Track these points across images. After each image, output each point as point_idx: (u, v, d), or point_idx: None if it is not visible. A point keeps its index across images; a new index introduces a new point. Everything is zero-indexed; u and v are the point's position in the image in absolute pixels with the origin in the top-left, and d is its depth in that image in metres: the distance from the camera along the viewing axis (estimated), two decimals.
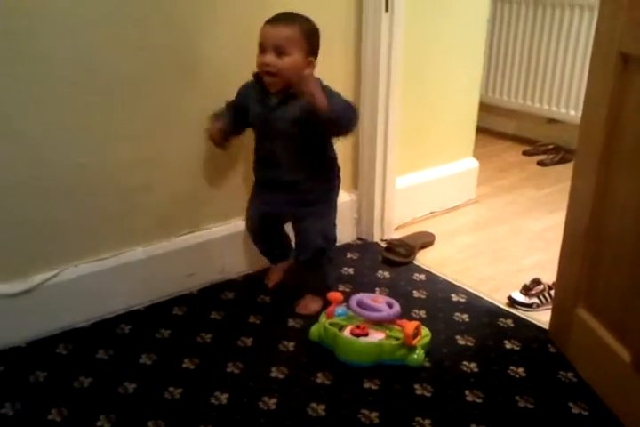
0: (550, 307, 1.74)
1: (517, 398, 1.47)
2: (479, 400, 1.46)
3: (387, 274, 2.02)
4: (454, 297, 1.89)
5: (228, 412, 1.42)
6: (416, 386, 1.51)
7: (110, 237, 1.74)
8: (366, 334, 1.55)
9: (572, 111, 2.96)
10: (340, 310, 1.64)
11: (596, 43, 1.40)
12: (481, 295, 1.90)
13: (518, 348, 1.65)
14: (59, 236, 1.65)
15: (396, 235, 2.25)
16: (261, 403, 1.45)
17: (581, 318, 1.53)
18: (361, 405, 1.44)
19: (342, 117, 1.54)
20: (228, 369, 1.56)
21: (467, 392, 1.49)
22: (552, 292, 1.81)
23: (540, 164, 3.04)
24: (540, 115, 3.17)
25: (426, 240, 2.22)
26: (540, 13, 2.98)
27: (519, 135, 3.41)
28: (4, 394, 1.47)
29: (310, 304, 1.79)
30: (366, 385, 1.51)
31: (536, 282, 1.86)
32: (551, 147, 3.13)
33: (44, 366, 1.57)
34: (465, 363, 1.59)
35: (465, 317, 1.79)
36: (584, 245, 1.50)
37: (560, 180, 2.71)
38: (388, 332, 1.57)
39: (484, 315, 1.80)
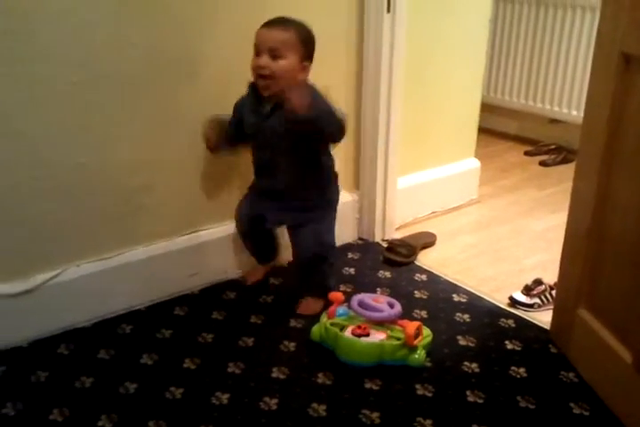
0: (552, 307, 1.74)
1: (518, 398, 1.47)
2: (480, 401, 1.46)
3: (388, 274, 2.02)
4: (455, 297, 1.89)
5: (228, 412, 1.42)
6: (417, 386, 1.51)
7: (111, 237, 1.74)
8: (367, 335, 1.55)
9: (573, 111, 2.96)
10: (342, 310, 1.64)
11: (597, 43, 1.40)
12: (482, 295, 1.90)
13: (519, 348, 1.65)
14: (60, 236, 1.65)
15: (398, 235, 2.25)
16: (262, 403, 1.45)
17: (583, 318, 1.53)
18: (362, 405, 1.44)
19: (322, 118, 1.50)
20: (229, 369, 1.56)
21: (468, 393, 1.49)
22: (553, 292, 1.81)
23: (542, 164, 3.03)
24: (542, 115, 3.16)
25: (427, 240, 2.22)
26: (542, 14, 2.98)
27: (521, 135, 3.40)
28: (5, 394, 1.47)
29: (311, 305, 1.79)
30: (367, 385, 1.51)
31: (537, 282, 1.86)
32: (553, 147, 3.12)
33: (45, 365, 1.57)
34: (466, 363, 1.59)
35: (466, 317, 1.79)
36: (586, 245, 1.50)
37: (562, 180, 2.71)
38: (389, 332, 1.57)
39: (486, 315, 1.80)
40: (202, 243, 1.88)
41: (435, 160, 2.42)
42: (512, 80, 3.21)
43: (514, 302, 1.85)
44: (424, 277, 2.01)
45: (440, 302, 1.87)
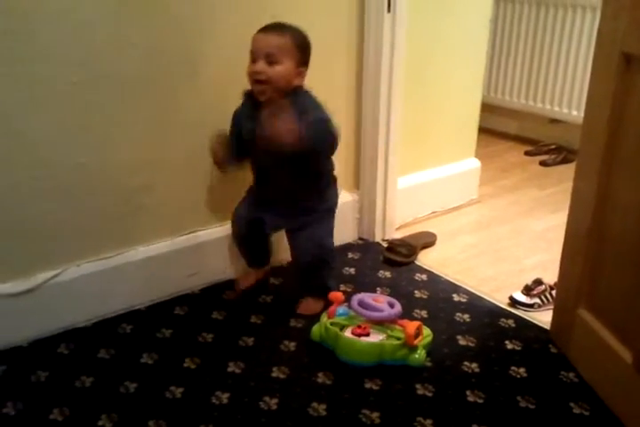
0: (552, 307, 1.74)
1: (519, 398, 1.47)
2: (480, 400, 1.46)
3: (388, 274, 2.02)
4: (456, 297, 1.89)
5: (229, 412, 1.42)
6: (417, 386, 1.51)
7: (112, 237, 1.74)
8: (367, 334, 1.55)
9: (574, 111, 2.96)
10: (342, 309, 1.64)
11: (598, 43, 1.40)
12: (482, 295, 1.90)
13: (519, 348, 1.65)
14: (60, 235, 1.65)
15: (398, 235, 2.25)
16: (262, 403, 1.45)
17: (583, 318, 1.53)
18: (362, 405, 1.44)
19: (316, 144, 1.52)
20: (230, 369, 1.56)
21: (468, 392, 1.49)
22: (553, 292, 1.81)
23: (543, 164, 3.03)
24: (543, 115, 3.16)
25: (427, 240, 2.22)
26: (542, 13, 2.98)
27: (521, 135, 3.40)
28: (5, 394, 1.47)
29: (311, 305, 1.79)
30: (367, 385, 1.51)
31: (538, 282, 1.86)
32: (553, 147, 3.12)
33: (45, 365, 1.57)
34: (466, 363, 1.59)
35: (466, 317, 1.79)
36: (586, 245, 1.50)
37: (562, 180, 2.70)
38: (389, 332, 1.57)
39: (486, 315, 1.80)
40: (202, 243, 1.88)
41: (435, 160, 2.42)
42: (512, 80, 3.21)
43: (514, 302, 1.85)
44: (424, 276, 2.01)
45: (440, 301, 1.87)
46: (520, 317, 1.80)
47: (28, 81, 1.47)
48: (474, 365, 1.58)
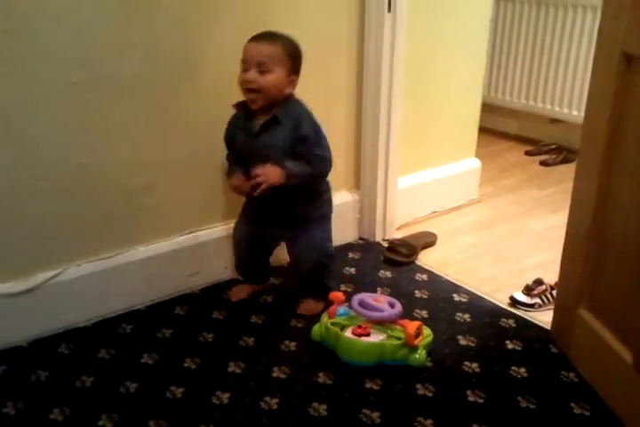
0: (552, 307, 1.74)
1: (519, 398, 1.47)
2: (481, 400, 1.46)
3: (388, 274, 2.02)
4: (456, 297, 1.89)
5: (229, 412, 1.42)
6: (418, 386, 1.51)
7: (112, 237, 1.74)
8: (368, 334, 1.55)
9: (574, 111, 2.96)
10: (342, 309, 1.64)
11: (598, 43, 1.40)
12: (483, 295, 1.90)
13: (520, 348, 1.65)
14: (60, 235, 1.65)
15: (398, 235, 2.25)
16: (263, 403, 1.45)
17: (583, 318, 1.53)
18: (362, 405, 1.44)
19: (310, 177, 1.60)
20: (230, 369, 1.56)
21: (468, 392, 1.48)
22: (554, 292, 1.81)
23: (543, 164, 3.03)
24: (543, 115, 3.16)
25: (428, 240, 2.22)
26: (542, 13, 2.98)
27: (522, 135, 3.40)
28: (5, 393, 1.47)
29: (312, 305, 1.79)
30: (368, 385, 1.51)
31: (538, 282, 1.86)
32: (554, 147, 3.12)
33: (45, 365, 1.57)
34: (467, 363, 1.59)
35: (467, 317, 1.79)
36: (586, 245, 1.50)
37: (562, 180, 2.70)
38: (389, 332, 1.57)
39: (486, 315, 1.80)
40: (202, 242, 1.88)
41: (435, 160, 2.42)
42: (513, 80, 3.21)
43: (514, 302, 1.85)
44: (425, 276, 2.01)
45: (441, 301, 1.87)
46: (520, 317, 1.80)
47: (28, 81, 1.47)
48: (474, 365, 1.58)
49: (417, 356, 1.55)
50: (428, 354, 1.59)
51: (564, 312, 1.64)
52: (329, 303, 1.67)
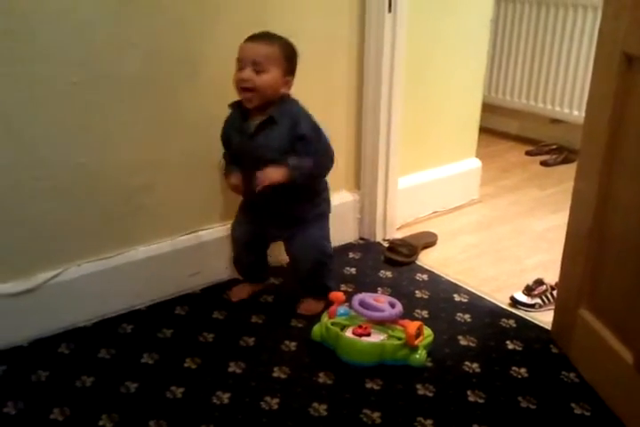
0: (553, 307, 1.74)
1: (519, 398, 1.47)
2: (481, 401, 1.46)
3: (389, 274, 2.02)
4: (457, 297, 1.89)
5: (229, 412, 1.42)
6: (418, 386, 1.51)
7: (112, 237, 1.74)
8: (368, 334, 1.55)
9: (575, 111, 2.96)
10: (342, 309, 1.64)
11: (599, 43, 1.40)
12: (483, 296, 1.90)
13: (520, 348, 1.65)
14: (60, 235, 1.65)
15: (399, 235, 2.25)
16: (263, 403, 1.45)
17: (584, 318, 1.53)
18: (363, 405, 1.44)
19: (312, 176, 1.60)
20: (230, 369, 1.56)
21: (469, 393, 1.48)
22: (554, 292, 1.80)
23: (543, 164, 3.03)
24: (544, 115, 3.16)
25: (428, 240, 2.22)
26: (543, 13, 2.98)
27: (522, 135, 3.40)
28: (6, 393, 1.47)
29: (312, 305, 1.79)
30: (368, 385, 1.51)
31: (539, 282, 1.86)
32: (554, 147, 3.12)
33: (46, 365, 1.57)
34: (467, 363, 1.59)
35: (467, 317, 1.79)
36: (587, 245, 1.50)
37: (563, 180, 2.70)
38: (390, 332, 1.57)
39: (487, 315, 1.80)
40: (202, 243, 1.88)
41: (436, 160, 2.42)
42: (513, 80, 3.21)
43: (515, 303, 1.85)
44: (425, 276, 2.01)
45: (441, 301, 1.86)
46: (521, 317, 1.79)
47: (28, 81, 1.47)
48: (475, 365, 1.58)
49: (417, 356, 1.54)
50: (429, 354, 1.59)
51: (565, 312, 1.64)
52: (329, 303, 1.67)
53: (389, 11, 1.91)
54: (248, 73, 1.51)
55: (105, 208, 1.69)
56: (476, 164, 2.56)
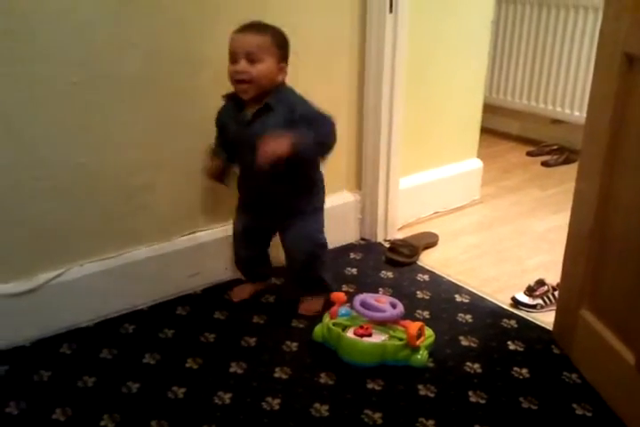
0: (554, 308, 1.74)
1: (521, 399, 1.47)
2: (483, 401, 1.46)
3: (390, 274, 2.02)
4: (458, 298, 1.89)
5: (231, 412, 1.42)
6: (419, 387, 1.50)
7: (114, 237, 1.74)
8: (370, 335, 1.55)
9: (576, 112, 2.96)
10: (344, 310, 1.64)
11: (600, 43, 1.40)
12: (485, 296, 1.90)
13: (522, 349, 1.65)
14: (62, 235, 1.65)
15: (400, 235, 2.25)
16: (265, 403, 1.44)
17: (585, 319, 1.53)
18: (364, 405, 1.44)
19: (314, 151, 1.56)
20: (232, 369, 1.56)
21: (470, 393, 1.48)
22: (556, 293, 1.80)
23: (545, 164, 3.03)
24: (545, 115, 3.16)
25: (429, 241, 2.22)
26: (544, 14, 2.98)
27: (523, 136, 3.40)
28: (8, 393, 1.47)
29: (312, 304, 1.79)
30: (370, 386, 1.51)
31: (540, 283, 1.86)
32: (555, 147, 3.12)
33: (48, 365, 1.57)
34: (468, 364, 1.59)
35: (468, 317, 1.79)
36: (588, 246, 1.49)
37: (564, 180, 2.70)
38: (391, 332, 1.57)
39: (488, 316, 1.80)
40: (203, 243, 1.88)
41: (437, 160, 2.42)
42: (514, 80, 3.21)
43: (516, 303, 1.85)
44: (426, 277, 2.01)
45: (442, 302, 1.86)
46: (522, 317, 1.79)
47: (28, 81, 1.48)
48: (476, 365, 1.58)
49: (419, 356, 1.54)
50: (430, 355, 1.59)
51: (566, 313, 1.63)
52: (329, 301, 1.67)
53: (390, 11, 1.91)
54: (243, 65, 1.50)
55: (105, 208, 1.69)
56: (477, 164, 2.56)
